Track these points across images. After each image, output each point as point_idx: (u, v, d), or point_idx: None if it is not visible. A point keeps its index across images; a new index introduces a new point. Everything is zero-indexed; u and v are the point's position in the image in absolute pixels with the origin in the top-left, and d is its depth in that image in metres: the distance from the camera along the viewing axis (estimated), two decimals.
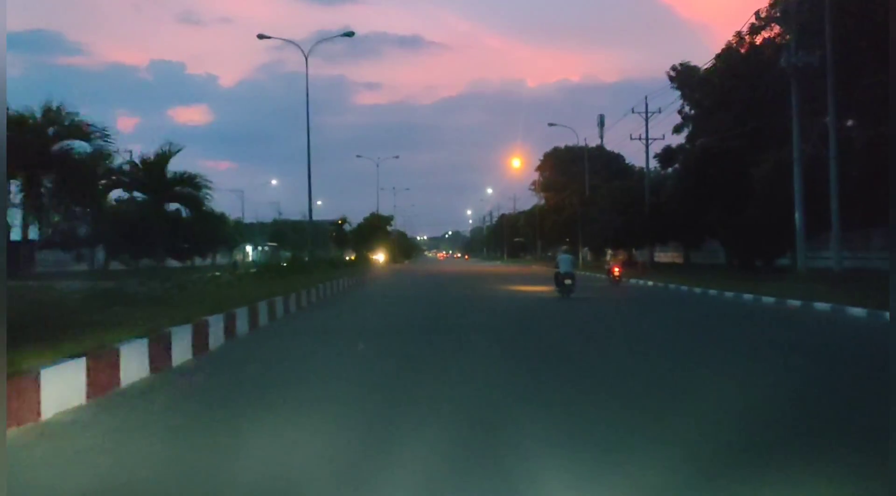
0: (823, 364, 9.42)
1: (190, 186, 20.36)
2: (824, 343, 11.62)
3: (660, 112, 44.03)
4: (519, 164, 77.30)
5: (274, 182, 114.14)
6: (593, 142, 62.76)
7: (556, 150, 73.75)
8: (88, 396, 6.64)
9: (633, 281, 31.23)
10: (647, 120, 43.89)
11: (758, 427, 5.73)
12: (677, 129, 44.93)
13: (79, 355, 6.65)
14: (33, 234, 25.66)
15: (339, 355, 10.23)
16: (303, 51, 33.67)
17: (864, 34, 24.95)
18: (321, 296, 21.94)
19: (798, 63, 26.01)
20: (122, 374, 7.32)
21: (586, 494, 4.24)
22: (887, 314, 13.17)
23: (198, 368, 8.87)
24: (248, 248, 75.27)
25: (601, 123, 68.13)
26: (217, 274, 21.97)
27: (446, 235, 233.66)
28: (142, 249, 32.62)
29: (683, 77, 43.27)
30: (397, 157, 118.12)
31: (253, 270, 28.17)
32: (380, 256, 68.72)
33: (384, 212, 77.16)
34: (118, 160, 19.58)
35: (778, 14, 31.41)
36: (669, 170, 45.75)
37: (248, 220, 75.29)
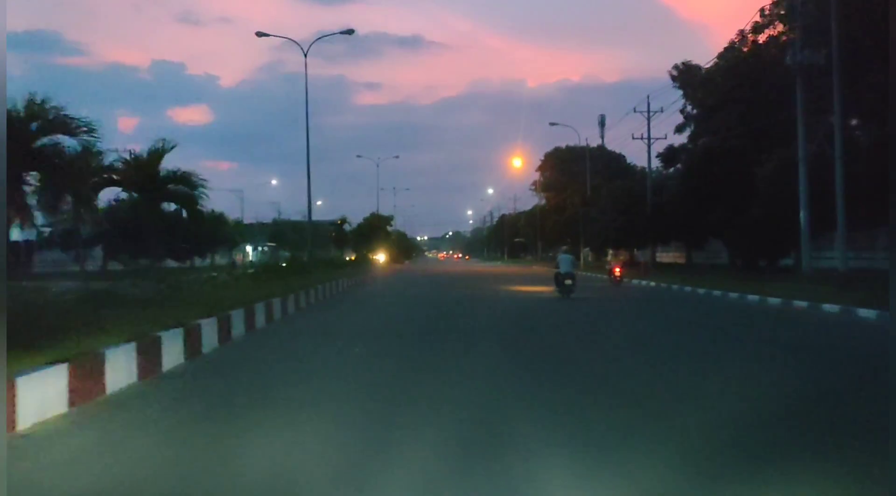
0: (834, 366, 9.13)
1: (184, 185, 19.91)
2: (834, 345, 11.32)
3: (662, 111, 43.76)
4: (520, 164, 77.25)
5: (274, 182, 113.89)
6: (594, 142, 62.55)
7: (556, 149, 73.38)
8: (70, 405, 6.32)
9: (635, 281, 30.91)
10: (648, 119, 43.61)
11: (762, 428, 5.68)
12: (679, 129, 44.55)
13: (60, 361, 6.33)
14: (15, 234, 25.33)
15: (339, 354, 10.22)
16: (302, 48, 33.41)
17: (868, 33, 24.63)
18: (319, 298, 21.64)
19: (804, 61, 25.65)
20: (107, 381, 6.99)
21: (588, 494, 4.21)
22: None
23: (189, 374, 8.54)
24: (248, 249, 74.95)
25: (602, 123, 67.92)
26: (213, 275, 21.60)
27: (446, 236, 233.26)
28: (140, 250, 32.32)
29: (685, 76, 42.89)
30: (397, 156, 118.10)
31: (250, 271, 27.80)
32: (380, 257, 68.39)
33: (384, 212, 76.89)
34: (110, 157, 19.29)
35: (783, 11, 31.05)
36: (671, 169, 45.41)
37: (247, 220, 75.03)
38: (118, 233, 30.90)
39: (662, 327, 14.38)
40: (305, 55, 33.24)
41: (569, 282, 21.00)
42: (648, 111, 43.55)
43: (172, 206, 23.93)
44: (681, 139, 44.38)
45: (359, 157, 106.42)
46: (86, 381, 6.58)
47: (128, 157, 19.69)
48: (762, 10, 33.69)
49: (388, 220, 76.15)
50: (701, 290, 23.48)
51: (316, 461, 4.88)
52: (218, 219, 59.79)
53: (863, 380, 7.99)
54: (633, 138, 44.87)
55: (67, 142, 12.02)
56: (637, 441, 5.31)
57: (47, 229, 41.75)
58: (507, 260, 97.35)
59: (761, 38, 36.36)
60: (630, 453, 4.98)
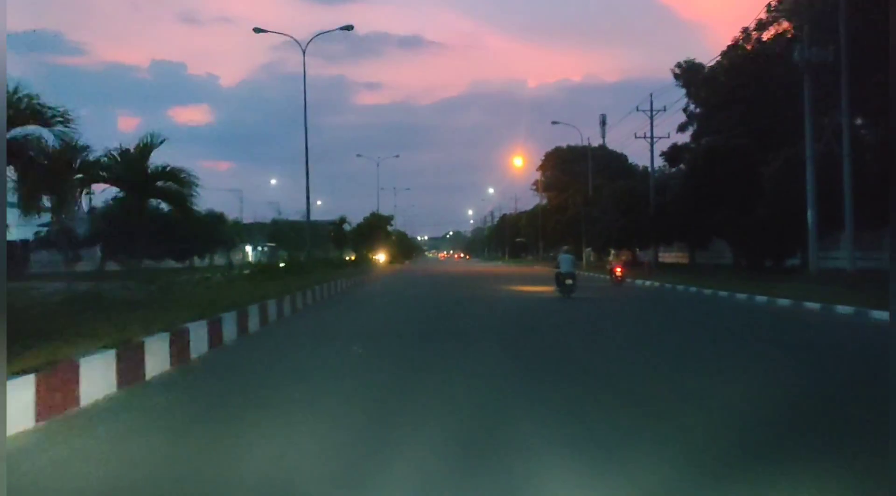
0: (849, 368, 8.65)
1: (174, 181, 19.22)
2: (852, 347, 10.84)
3: (665, 110, 43.23)
4: (521, 163, 76.80)
5: (273, 182, 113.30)
6: (595, 142, 62.23)
7: (557, 149, 72.89)
8: (38, 418, 5.82)
9: (638, 282, 30.42)
10: (651, 117, 43.07)
11: (768, 430, 5.64)
12: (682, 128, 44.09)
13: (27, 372, 5.82)
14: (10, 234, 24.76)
15: (338, 354, 10.10)
16: (300, 45, 32.97)
17: (873, 31, 24.15)
18: (317, 299, 21.15)
19: (812, 58, 25.13)
20: (81, 392, 6.49)
21: (590, 494, 4.18)
22: None
23: (174, 382, 8.01)
24: (248, 248, 74.46)
25: (603, 123, 67.61)
26: (207, 275, 21.07)
27: (447, 236, 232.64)
28: (137, 250, 31.79)
29: (688, 75, 42.40)
30: (398, 156, 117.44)
31: (246, 271, 27.24)
32: (380, 257, 67.90)
33: (384, 212, 76.31)
34: (97, 152, 18.65)
35: (789, 7, 30.54)
36: (673, 169, 44.92)
37: (247, 220, 74.57)
38: (114, 232, 30.37)
39: (667, 328, 13.91)
40: (304, 52, 32.83)
41: (569, 281, 21.00)
42: (651, 109, 43.03)
43: (169, 206, 23.31)
44: (683, 138, 43.99)
45: (359, 156, 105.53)
46: (56, 393, 6.08)
47: (114, 153, 18.95)
48: (769, 5, 33.16)
49: (388, 219, 75.58)
50: (707, 291, 22.95)
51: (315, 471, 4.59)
52: (217, 218, 59.33)
53: (877, 382, 7.56)
54: (636, 137, 44.36)
55: (46, 135, 11.51)
56: (640, 441, 5.26)
57: (43, 229, 41.32)
58: (508, 260, 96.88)
59: (765, 37, 35.90)
60: (633, 453, 4.93)
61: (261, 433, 5.60)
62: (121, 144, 19.78)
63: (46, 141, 11.59)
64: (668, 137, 44.18)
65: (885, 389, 6.93)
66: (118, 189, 21.74)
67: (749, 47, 36.92)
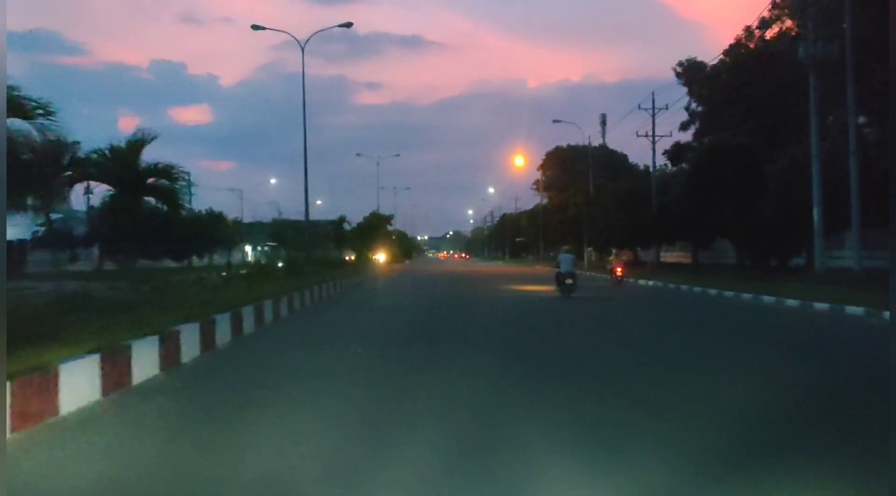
0: (863, 370, 8.27)
1: (166, 178, 18.76)
2: (860, 349, 10.48)
3: (667, 108, 42.88)
4: (522, 162, 76.44)
5: (273, 181, 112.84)
6: (595, 141, 61.95)
7: (558, 149, 72.58)
8: (14, 428, 5.46)
9: (641, 282, 30.07)
10: (654, 116, 42.73)
11: (771, 431, 5.58)
12: (684, 126, 43.68)
13: (4, 378, 5.46)
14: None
15: (337, 358, 9.90)
16: (299, 42, 32.52)
17: (878, 28, 23.79)
18: (315, 299, 20.79)
19: (817, 54, 24.75)
20: (61, 399, 6.13)
21: (593, 493, 4.14)
22: None
23: (162, 389, 7.64)
24: (248, 248, 74.09)
25: (603, 122, 67.33)
26: (202, 276, 20.72)
27: (447, 235, 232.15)
28: (135, 249, 31.39)
29: (690, 73, 42.02)
30: (398, 155, 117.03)
31: (242, 271, 26.83)
32: (380, 256, 67.53)
33: (385, 212, 75.84)
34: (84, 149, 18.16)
35: (794, 4, 30.16)
36: (675, 168, 44.56)
37: (248, 219, 74.26)
38: (108, 231, 29.99)
39: (670, 329, 13.58)
40: (303, 49, 32.40)
41: (569, 281, 21.06)
42: (653, 108, 42.68)
43: (161, 203, 22.82)
44: (685, 137, 43.60)
45: (359, 155, 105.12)
46: (34, 400, 5.72)
47: (105, 149, 18.49)
48: (773, 2, 32.79)
49: (388, 219, 75.10)
50: (712, 291, 22.57)
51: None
52: (217, 218, 58.99)
53: (888, 384, 7.24)
54: (638, 136, 43.97)
55: (28, 129, 11.11)
56: (642, 441, 5.22)
57: (41, 228, 41.02)
58: (509, 260, 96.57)
59: (768, 34, 35.54)
60: (635, 453, 4.90)
61: (250, 446, 5.24)
62: (111, 141, 19.35)
63: (35, 136, 11.23)
64: (671, 136, 43.82)
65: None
66: (109, 186, 21.32)
67: (752, 45, 36.57)
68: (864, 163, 24.21)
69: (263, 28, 32.03)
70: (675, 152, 42.66)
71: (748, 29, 36.56)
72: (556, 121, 60.29)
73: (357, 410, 6.36)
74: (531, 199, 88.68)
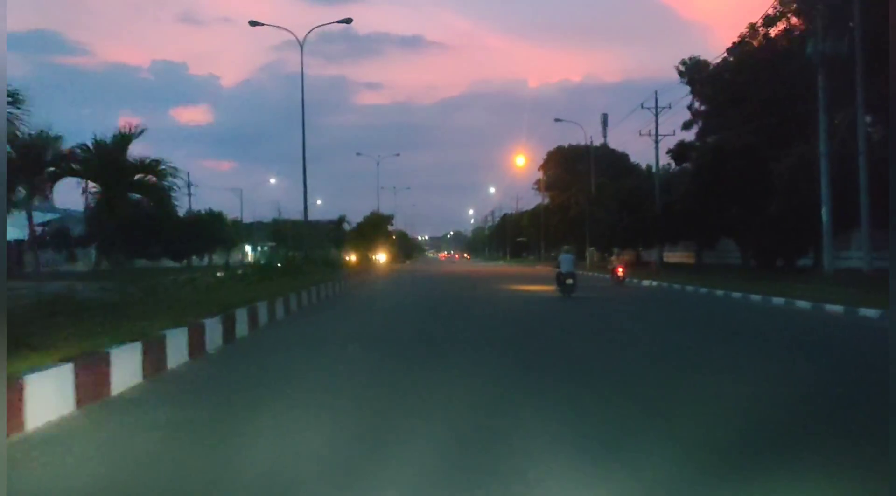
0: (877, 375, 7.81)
1: (153, 174, 18.15)
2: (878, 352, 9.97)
3: (670, 107, 42.35)
4: (523, 162, 75.96)
5: (273, 181, 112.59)
6: (597, 141, 61.54)
7: (559, 148, 72.21)
8: None
9: (645, 282, 29.58)
10: (657, 115, 42.18)
11: (777, 432, 5.48)
12: (687, 126, 43.17)
13: None
14: None
15: (336, 360, 9.77)
16: (298, 39, 32.11)
17: (882, 28, 23.31)
18: (313, 300, 20.30)
19: (826, 51, 24.24)
20: (27, 413, 5.63)
21: (594, 493, 4.10)
22: None
23: (143, 399, 7.12)
24: (248, 248, 73.66)
25: (604, 122, 66.78)
26: (195, 276, 20.20)
27: (448, 235, 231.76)
28: (123, 248, 30.90)
29: (693, 72, 41.48)
30: (398, 154, 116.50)
31: (238, 272, 26.28)
32: (380, 256, 67.09)
33: (385, 211, 75.37)
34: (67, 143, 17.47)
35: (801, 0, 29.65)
36: (678, 168, 44.04)
37: (248, 219, 73.87)
38: (96, 230, 29.46)
39: (671, 329, 13.16)
40: (301, 46, 31.96)
41: (570, 281, 21.01)
42: (657, 107, 42.14)
43: (148, 200, 22.23)
44: (688, 136, 43.09)
45: (359, 155, 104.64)
46: None
47: (90, 144, 17.87)
48: None
49: (388, 219, 74.65)
50: (719, 292, 22.07)
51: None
52: (216, 218, 58.59)
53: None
54: (640, 135, 43.45)
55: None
56: (644, 440, 5.19)
57: (39, 228, 40.58)
58: (510, 260, 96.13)
59: (773, 32, 35.00)
60: (637, 452, 4.86)
61: (239, 469, 4.75)
62: (95, 135, 18.57)
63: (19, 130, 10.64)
64: (674, 135, 43.31)
65: None
66: (93, 182, 20.63)
67: (756, 43, 36.03)
68: (873, 162, 23.72)
69: (261, 24, 31.63)
70: (679, 151, 42.16)
71: (752, 26, 36.02)
72: (557, 120, 60.32)
73: (357, 411, 6.31)
74: (532, 199, 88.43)
